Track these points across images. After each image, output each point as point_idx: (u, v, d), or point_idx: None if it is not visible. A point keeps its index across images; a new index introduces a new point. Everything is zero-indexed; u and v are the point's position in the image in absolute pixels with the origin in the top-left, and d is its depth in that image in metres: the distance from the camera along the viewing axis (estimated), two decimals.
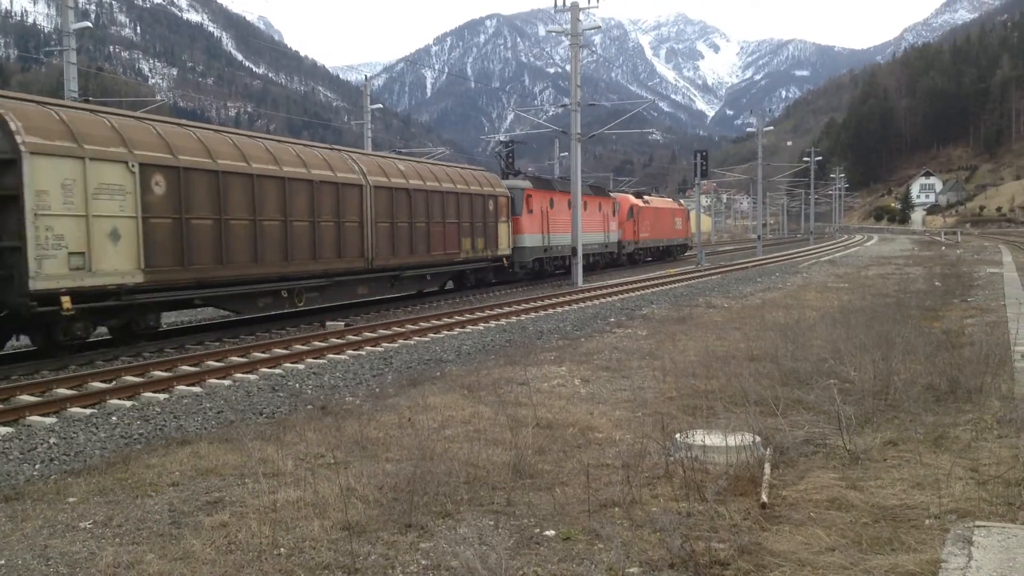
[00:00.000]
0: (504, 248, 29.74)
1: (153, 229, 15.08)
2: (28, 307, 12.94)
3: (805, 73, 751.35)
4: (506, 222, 30.00)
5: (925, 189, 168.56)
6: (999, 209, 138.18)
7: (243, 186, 17.34)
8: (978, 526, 4.95)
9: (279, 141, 20.34)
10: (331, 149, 22.49)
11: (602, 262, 41.11)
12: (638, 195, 48.17)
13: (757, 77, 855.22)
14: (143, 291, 14.97)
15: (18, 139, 12.75)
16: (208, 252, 16.40)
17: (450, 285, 28.41)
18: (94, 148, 13.96)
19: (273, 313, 18.99)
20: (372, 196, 21.79)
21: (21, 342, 15.45)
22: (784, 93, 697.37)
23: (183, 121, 18.42)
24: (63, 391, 11.39)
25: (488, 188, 28.82)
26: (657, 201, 53.02)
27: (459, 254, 26.48)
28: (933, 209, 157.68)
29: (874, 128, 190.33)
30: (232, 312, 18.55)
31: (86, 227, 13.75)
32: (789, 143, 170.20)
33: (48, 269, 13.08)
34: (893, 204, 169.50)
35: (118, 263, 14.38)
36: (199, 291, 16.49)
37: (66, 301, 13.29)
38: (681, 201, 50.69)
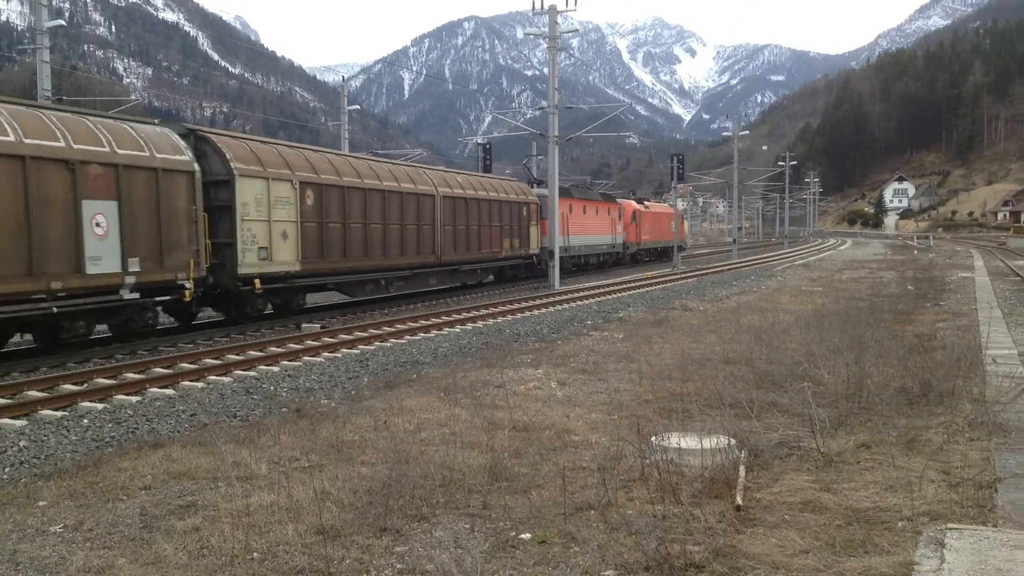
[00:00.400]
0: (534, 248, 34.68)
1: (306, 231, 20.07)
2: (236, 287, 17.96)
3: (780, 78, 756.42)
4: (536, 225, 35.00)
5: (898, 194, 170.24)
6: (971, 214, 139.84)
7: (359, 197, 22.29)
8: (950, 528, 5.00)
9: (376, 160, 26.19)
10: (411, 166, 28.32)
11: (610, 261, 45.49)
12: (639, 200, 51.13)
13: (733, 82, 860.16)
14: (299, 276, 20.07)
15: (232, 165, 17.80)
16: (337, 248, 21.37)
17: (490, 278, 32.90)
18: (273, 171, 19.07)
19: (374, 297, 23.64)
20: (441, 204, 26.63)
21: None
22: (760, 98, 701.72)
23: (318, 148, 24.50)
24: (34, 393, 11.26)
25: (522, 196, 33.96)
26: (655, 206, 56.83)
27: (501, 252, 31.46)
28: (906, 214, 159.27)
29: (848, 133, 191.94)
30: (347, 295, 23.38)
31: (268, 229, 18.79)
32: (764, 147, 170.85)
33: (247, 259, 18.12)
34: (867, 208, 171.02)
35: (286, 255, 19.43)
36: (331, 277, 21.54)
37: (257, 283, 18.36)
38: (675, 206, 53.71)
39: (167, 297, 16.24)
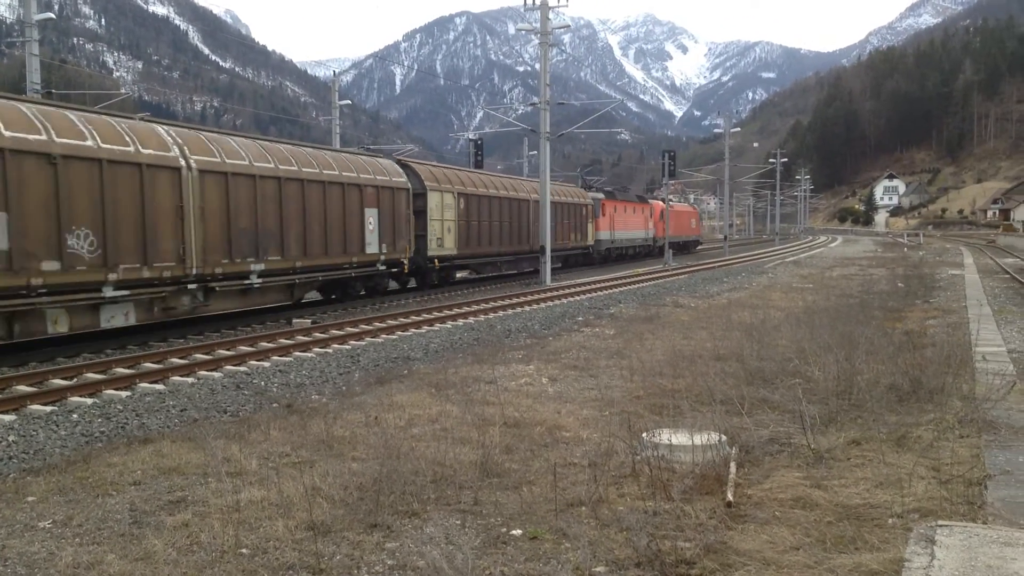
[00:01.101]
0: (590, 240, 43.44)
1: (460, 227, 28.92)
2: (426, 264, 26.66)
3: (772, 75, 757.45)
4: (591, 223, 43.43)
5: (888, 191, 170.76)
6: (961, 211, 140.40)
7: (489, 202, 31.60)
8: (940, 525, 5.01)
9: (495, 176, 36.09)
10: (514, 178, 38.98)
11: (643, 252, 53.18)
12: (665, 201, 55.95)
13: (724, 78, 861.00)
14: (457, 258, 29.25)
15: (425, 183, 26.68)
16: (476, 239, 30.37)
17: (559, 264, 40.09)
18: (445, 186, 28.10)
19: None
20: (532, 207, 35.24)
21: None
22: (751, 95, 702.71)
23: (469, 169, 35.10)
24: (23, 388, 11.21)
25: (581, 199, 42.55)
26: (678, 206, 64.68)
27: (569, 243, 40.17)
28: (896, 211, 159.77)
29: (839, 130, 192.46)
30: (478, 273, 32.79)
31: (441, 226, 27.56)
32: (755, 144, 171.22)
33: (432, 246, 26.83)
34: (857, 206, 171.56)
35: (450, 244, 28.28)
36: (472, 260, 30.98)
37: (436, 262, 27.20)
38: (694, 205, 63.05)
39: (395, 269, 24.48)
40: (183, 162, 16.20)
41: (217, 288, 17.27)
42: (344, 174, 21.64)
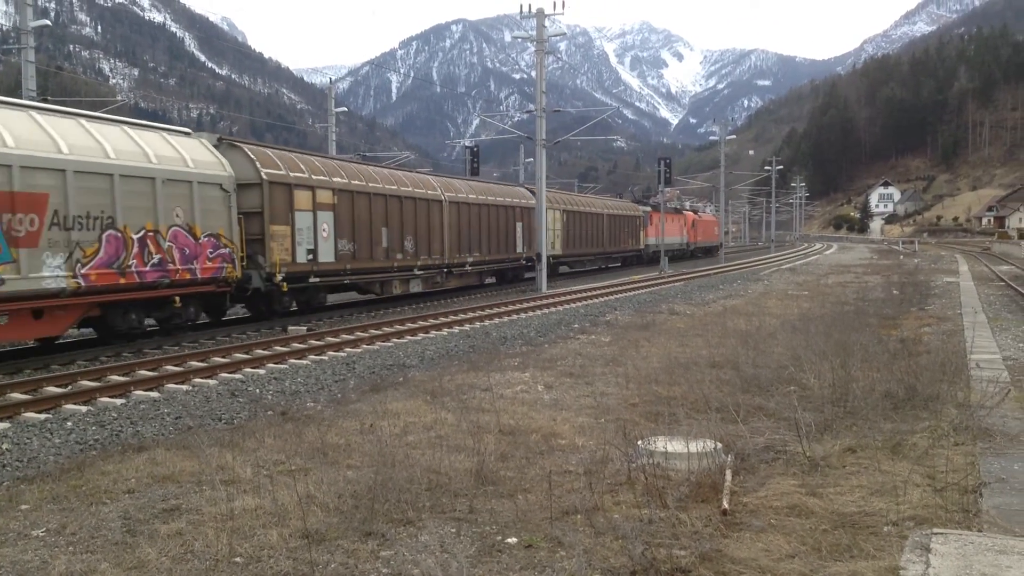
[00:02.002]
0: (642, 245, 54.24)
1: (563, 234, 38.88)
2: (549, 262, 33.54)
3: (767, 83, 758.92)
4: (643, 230, 54.43)
5: (884, 198, 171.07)
6: (956, 219, 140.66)
7: (583, 216, 42.43)
8: (936, 533, 5.00)
9: (588, 196, 51.49)
10: (598, 197, 53.00)
11: (679, 255, 61.84)
12: (694, 211, 68.90)
13: (720, 86, 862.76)
14: (560, 256, 39.00)
15: (544, 204, 32.56)
16: (574, 242, 40.86)
17: (618, 264, 51.11)
18: (558, 205, 38.77)
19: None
20: (609, 219, 47.06)
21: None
22: (746, 102, 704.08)
23: (572, 192, 53.68)
24: (17, 395, 11.18)
25: (637, 212, 54.27)
26: (705, 216, 75.42)
27: (627, 248, 51.46)
28: (891, 218, 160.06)
29: (834, 138, 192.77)
30: (572, 268, 43.12)
31: (554, 235, 36.68)
32: (751, 152, 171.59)
33: (547, 248, 33.30)
34: (852, 213, 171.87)
35: (560, 246, 38.38)
36: (571, 258, 41.23)
37: (551, 259, 34.45)
38: (715, 214, 72.80)
39: (529, 263, 34.13)
40: (443, 197, 27.91)
41: (453, 271, 28.58)
42: (507, 200, 33.46)
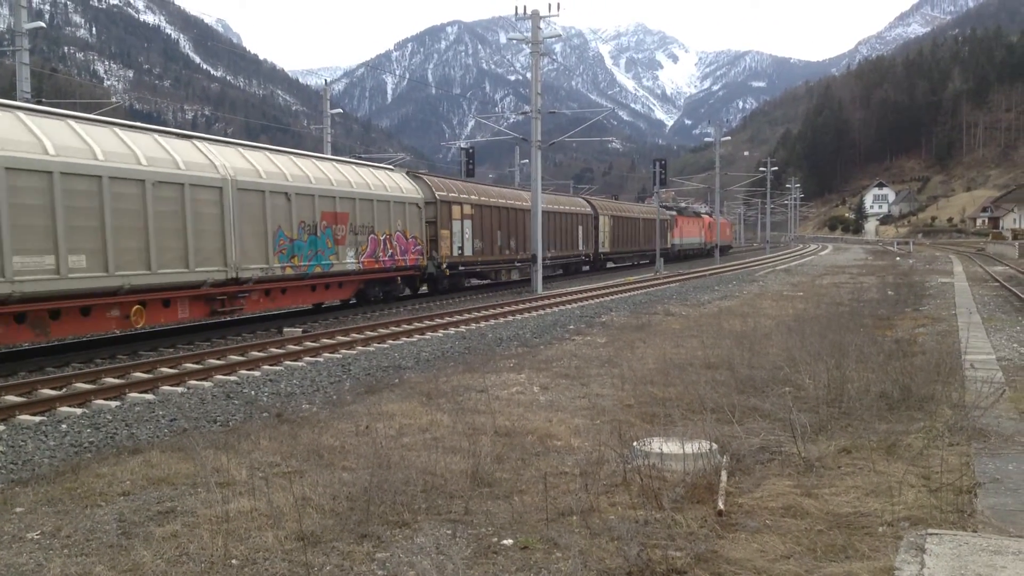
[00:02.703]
0: (669, 244, 58.88)
1: (611, 235, 49.01)
2: (598, 256, 46.89)
3: (762, 84, 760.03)
4: (670, 231, 60.51)
5: (878, 199, 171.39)
6: (950, 220, 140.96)
7: (625, 220, 52.44)
8: (930, 534, 5.02)
9: (628, 203, 63.38)
10: (639, 205, 63.62)
11: (698, 253, 70.28)
12: (710, 215, 76.39)
13: (715, 87, 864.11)
14: (610, 253, 49.24)
15: (598, 210, 47.77)
16: (618, 242, 50.48)
17: (647, 261, 54.68)
18: (609, 213, 49.52)
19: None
20: (644, 222, 54.61)
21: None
22: (741, 104, 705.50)
23: (619, 201, 61.82)
24: (12, 398, 11.15)
25: (665, 215, 58.09)
26: (722, 219, 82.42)
27: (664, 247, 55.44)
28: (886, 219, 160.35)
29: (829, 139, 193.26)
30: (615, 263, 52.37)
31: (603, 234, 47.82)
32: (746, 153, 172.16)
33: (602, 247, 47.64)
34: (847, 214, 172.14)
35: (608, 246, 48.58)
36: (616, 255, 50.63)
37: (602, 256, 47.96)
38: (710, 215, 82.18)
39: (587, 258, 44.16)
40: (529, 208, 33.90)
41: (547, 263, 36.59)
42: (570, 208, 42.48)
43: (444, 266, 28.20)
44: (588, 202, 47.06)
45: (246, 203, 18.27)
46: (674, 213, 64.53)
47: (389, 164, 37.10)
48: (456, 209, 29.49)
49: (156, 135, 16.79)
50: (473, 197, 31.11)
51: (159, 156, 16.00)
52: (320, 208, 21.10)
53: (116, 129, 15.88)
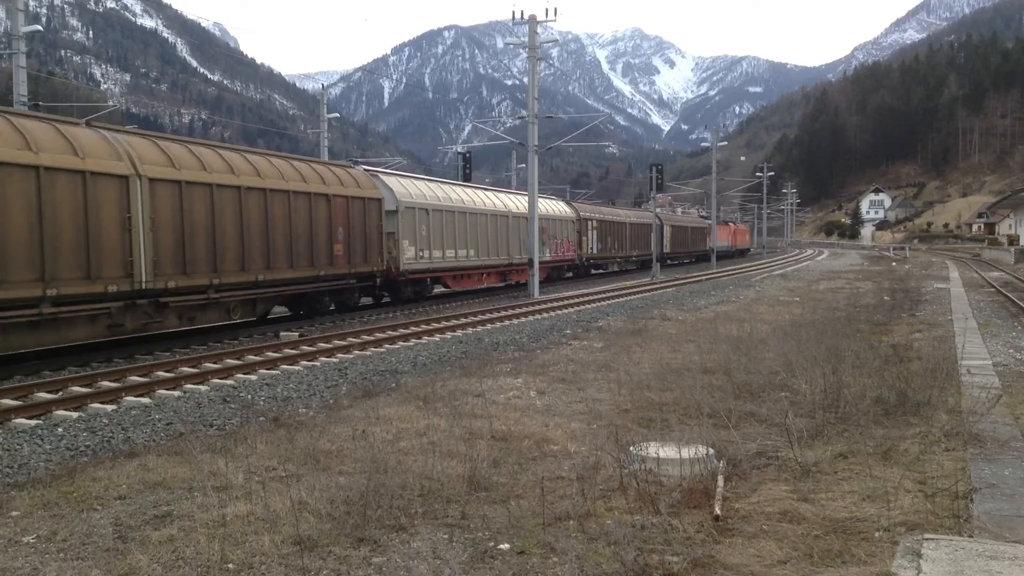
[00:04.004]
0: (707, 247, 68.48)
1: (671, 240, 63.45)
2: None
3: (758, 89, 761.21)
4: (707, 236, 70.26)
5: (874, 205, 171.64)
6: (946, 225, 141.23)
7: (680, 228, 68.51)
8: (927, 539, 5.02)
9: (680, 214, 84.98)
10: (685, 214, 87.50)
11: (728, 255, 79.98)
12: (733, 223, 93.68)
13: (712, 93, 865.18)
14: (670, 254, 63.11)
15: (583, 215, 47.43)
16: (675, 245, 65.01)
17: (691, 260, 67.95)
18: (670, 223, 65.61)
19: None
20: (693, 231, 72.40)
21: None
22: (738, 109, 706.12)
23: (675, 213, 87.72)
24: (7, 401, 11.12)
25: (704, 224, 72.25)
26: (740, 226, 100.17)
27: (699, 248, 70.07)
28: (882, 225, 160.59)
29: (825, 144, 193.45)
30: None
31: (666, 241, 61.78)
32: (743, 158, 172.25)
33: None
34: (843, 219, 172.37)
35: (669, 248, 62.59)
36: (673, 256, 64.68)
37: (666, 256, 61.46)
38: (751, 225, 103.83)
39: (649, 259, 51.52)
40: (626, 220, 53.42)
41: (630, 259, 53.31)
42: (641, 219, 55.41)
43: (585, 259, 45.86)
44: (659, 216, 58.34)
45: (518, 225, 35.19)
46: (708, 223, 79.97)
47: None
48: (590, 223, 46.16)
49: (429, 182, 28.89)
50: (596, 215, 48.42)
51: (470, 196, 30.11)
52: (539, 226, 33.55)
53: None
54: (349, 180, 23.09)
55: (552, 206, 41.45)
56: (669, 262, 61.81)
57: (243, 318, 19.73)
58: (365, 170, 26.14)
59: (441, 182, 31.91)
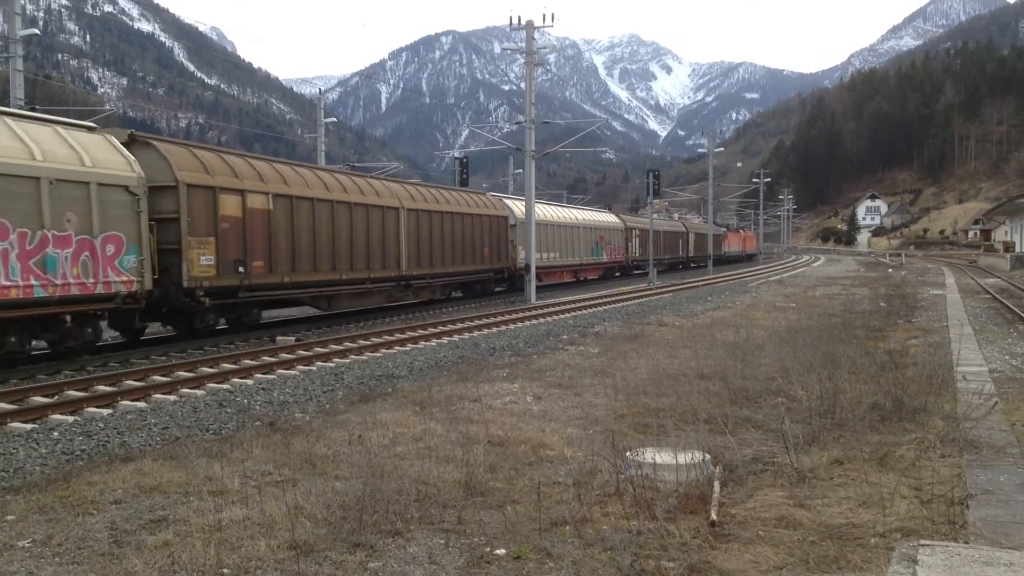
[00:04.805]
0: (722, 252, 77.29)
1: (695, 245, 70.66)
2: (687, 260, 69.55)
3: (755, 96, 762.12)
4: (723, 242, 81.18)
5: (871, 211, 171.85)
6: (942, 232, 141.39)
7: (702, 236, 71.69)
8: (922, 545, 5.03)
9: (703, 224, 79.77)
10: (709, 224, 73.31)
11: (737, 259, 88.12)
12: (743, 230, 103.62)
13: (708, 99, 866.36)
14: (694, 256, 70.87)
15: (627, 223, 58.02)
16: (698, 249, 70.91)
17: (704, 264, 66.56)
18: (695, 230, 73.29)
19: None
20: (692, 236, 71.94)
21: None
22: (734, 115, 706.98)
23: (697, 223, 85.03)
24: (3, 405, 11.10)
25: (720, 230, 79.61)
26: (749, 233, 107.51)
27: (717, 252, 69.58)
28: (878, 231, 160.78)
29: (821, 151, 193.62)
30: (696, 264, 70.79)
31: (693, 246, 71.13)
32: (739, 164, 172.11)
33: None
34: (840, 225, 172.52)
35: (693, 252, 70.45)
36: (697, 259, 70.71)
37: (692, 260, 71.83)
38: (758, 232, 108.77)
39: (686, 260, 68.59)
40: (684, 229, 70.52)
41: (663, 262, 59.04)
42: (676, 227, 67.07)
43: (631, 261, 53.88)
44: (705, 228, 73.30)
45: (586, 235, 45.27)
46: (724, 229, 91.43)
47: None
48: (633, 231, 54.85)
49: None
50: (639, 225, 56.70)
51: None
52: (597, 234, 46.43)
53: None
54: (488, 204, 34.25)
55: (606, 218, 52.91)
56: (692, 265, 69.83)
57: (442, 296, 30.58)
58: (492, 195, 37.27)
59: (542, 203, 43.32)
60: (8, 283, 13.21)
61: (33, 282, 13.62)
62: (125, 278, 15.38)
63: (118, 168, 15.47)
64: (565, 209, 46.73)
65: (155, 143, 17.65)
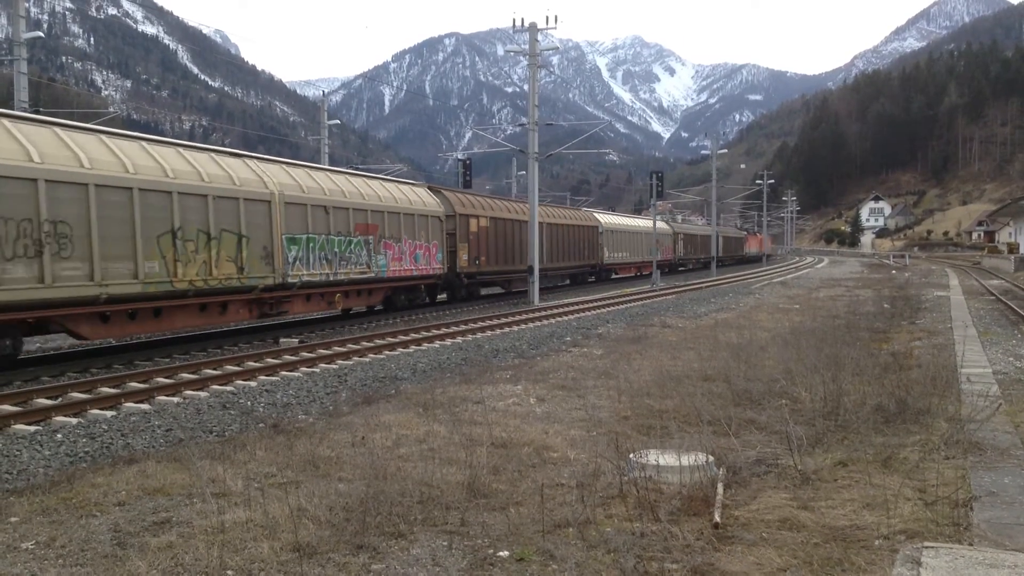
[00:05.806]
0: (742, 253, 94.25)
1: (724, 247, 79.71)
2: (709, 260, 70.71)
3: (758, 97, 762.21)
4: (744, 244, 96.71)
5: (874, 213, 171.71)
6: (946, 233, 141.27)
7: (728, 239, 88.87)
8: (927, 547, 5.01)
9: (727, 227, 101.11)
10: (732, 228, 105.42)
11: (753, 259, 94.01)
12: (759, 233, 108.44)
13: (712, 100, 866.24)
14: (722, 256, 77.14)
15: (674, 230, 68.82)
16: (726, 251, 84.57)
17: (729, 263, 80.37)
18: (728, 235, 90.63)
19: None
20: (722, 240, 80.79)
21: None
22: (738, 116, 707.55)
23: (727, 227, 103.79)
24: (7, 407, 11.12)
25: (741, 234, 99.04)
26: (762, 235, 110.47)
27: (739, 253, 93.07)
28: (882, 232, 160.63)
29: (825, 152, 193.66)
30: (721, 264, 74.63)
31: (720, 247, 74.53)
32: (743, 166, 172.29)
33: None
34: (843, 227, 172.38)
35: (722, 253, 76.62)
36: (722, 260, 76.15)
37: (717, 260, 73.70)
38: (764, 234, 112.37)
39: (707, 259, 70.63)
40: (714, 233, 69.97)
41: (690, 261, 69.32)
42: (706, 231, 74.32)
43: (677, 259, 63.49)
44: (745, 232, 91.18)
45: (647, 238, 53.73)
46: (745, 233, 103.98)
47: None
48: (679, 235, 65.00)
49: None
50: (684, 230, 67.63)
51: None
52: (655, 238, 51.08)
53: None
54: (585, 216, 46.88)
55: (660, 225, 59.60)
56: (720, 264, 74.16)
57: (560, 283, 42.95)
58: (586, 210, 51.89)
59: (619, 215, 62.30)
60: (403, 267, 25.15)
61: (411, 267, 25.65)
62: (438, 266, 27.58)
63: (435, 207, 27.78)
64: (631, 219, 61.68)
65: (444, 192, 30.22)
